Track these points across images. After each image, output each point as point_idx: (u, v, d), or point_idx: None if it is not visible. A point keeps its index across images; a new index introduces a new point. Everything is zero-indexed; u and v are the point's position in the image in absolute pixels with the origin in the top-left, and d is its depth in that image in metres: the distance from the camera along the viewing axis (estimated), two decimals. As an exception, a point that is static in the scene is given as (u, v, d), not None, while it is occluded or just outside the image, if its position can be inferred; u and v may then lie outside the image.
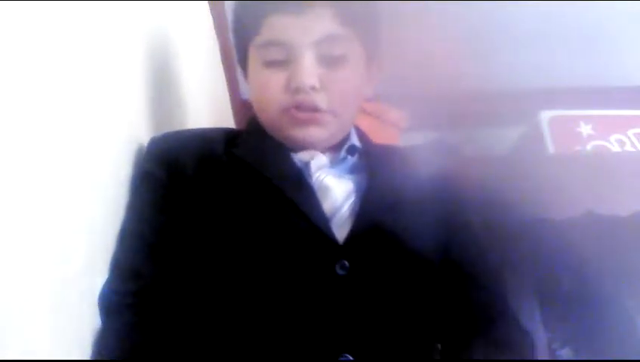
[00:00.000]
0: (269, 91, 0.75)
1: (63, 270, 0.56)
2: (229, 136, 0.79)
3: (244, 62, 0.81)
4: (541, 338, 1.13)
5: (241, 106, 1.86)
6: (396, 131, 1.57)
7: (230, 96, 1.80)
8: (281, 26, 0.74)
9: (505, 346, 0.70)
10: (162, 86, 0.98)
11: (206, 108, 1.36)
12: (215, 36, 1.59)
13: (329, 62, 0.74)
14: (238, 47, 0.82)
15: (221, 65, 1.67)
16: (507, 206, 0.81)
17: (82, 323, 0.61)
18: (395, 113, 1.55)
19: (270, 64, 0.75)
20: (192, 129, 0.88)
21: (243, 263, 0.67)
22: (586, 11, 1.66)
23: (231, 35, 0.84)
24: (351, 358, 0.62)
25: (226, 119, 1.75)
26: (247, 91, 1.98)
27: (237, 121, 1.86)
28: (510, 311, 0.75)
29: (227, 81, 1.75)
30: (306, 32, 0.73)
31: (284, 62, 0.74)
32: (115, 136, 0.74)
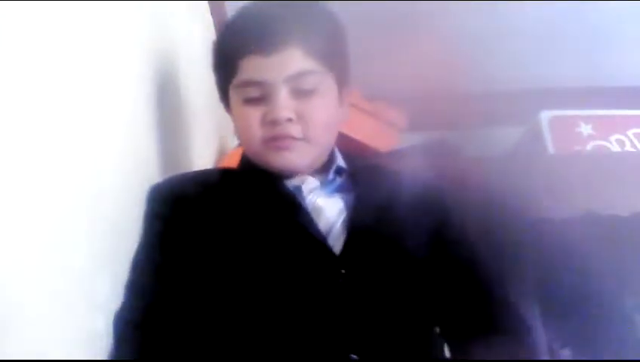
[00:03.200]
0: (249, 126, 0.81)
1: (63, 271, 0.56)
2: (225, 173, 0.88)
3: (226, 99, 0.87)
4: (541, 338, 1.13)
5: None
6: (396, 131, 1.57)
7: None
8: (255, 66, 0.80)
9: (504, 334, 0.74)
10: (162, 86, 0.98)
11: (206, 108, 1.36)
12: (215, 36, 1.58)
13: (302, 95, 0.80)
14: (219, 87, 0.88)
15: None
16: (507, 206, 0.81)
17: (82, 324, 0.61)
18: (395, 113, 1.55)
19: (249, 101, 0.81)
20: (191, 171, 0.96)
21: (250, 281, 0.72)
22: (586, 11, 1.67)
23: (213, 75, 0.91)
24: (356, 358, 0.65)
25: (225, 119, 1.74)
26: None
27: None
28: (508, 299, 0.80)
29: (227, 81, 1.74)
30: (278, 70, 0.79)
31: (261, 98, 0.80)
32: (114, 138, 0.74)
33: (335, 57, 0.83)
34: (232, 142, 1.64)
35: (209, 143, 1.36)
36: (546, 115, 1.77)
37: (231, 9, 1.64)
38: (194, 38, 1.33)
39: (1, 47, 0.49)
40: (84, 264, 0.61)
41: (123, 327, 0.69)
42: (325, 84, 0.82)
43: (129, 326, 0.69)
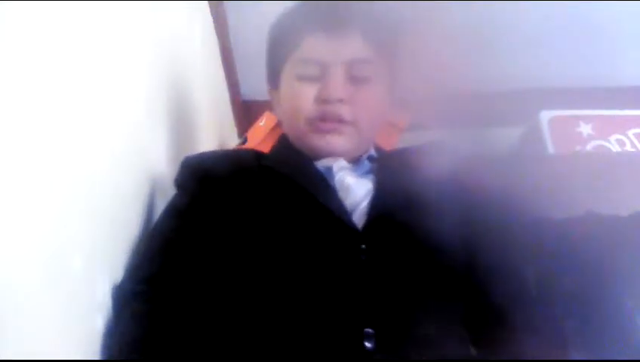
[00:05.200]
0: (299, 101, 0.83)
1: (62, 270, 0.56)
2: (258, 153, 0.88)
3: (276, 77, 0.88)
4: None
5: (241, 106, 1.85)
6: (396, 131, 1.57)
7: (230, 96, 1.80)
8: (317, 45, 0.83)
9: (534, 331, 0.75)
10: (162, 86, 0.98)
11: (206, 108, 1.36)
12: (215, 36, 1.59)
13: (356, 81, 0.82)
14: (274, 63, 0.89)
15: (221, 65, 1.67)
16: (507, 206, 0.81)
17: (82, 323, 0.61)
18: (397, 113, 1.55)
19: (303, 78, 0.83)
20: (224, 149, 0.96)
21: (270, 255, 0.72)
22: (587, 11, 1.67)
23: (267, 54, 0.92)
24: (371, 331, 0.65)
25: (226, 119, 1.75)
26: (247, 91, 1.98)
27: (237, 121, 1.86)
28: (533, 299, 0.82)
29: (227, 81, 1.75)
30: (338, 52, 0.82)
31: (316, 77, 0.82)
32: (114, 136, 0.74)
33: (392, 50, 0.85)
34: (233, 141, 1.64)
35: (209, 142, 1.36)
36: (545, 115, 1.77)
37: (231, 9, 1.64)
38: (194, 38, 1.33)
39: (10, 53, 0.49)
40: (83, 263, 0.61)
41: (126, 297, 0.68)
42: (380, 74, 0.84)
43: (136, 297, 0.68)
